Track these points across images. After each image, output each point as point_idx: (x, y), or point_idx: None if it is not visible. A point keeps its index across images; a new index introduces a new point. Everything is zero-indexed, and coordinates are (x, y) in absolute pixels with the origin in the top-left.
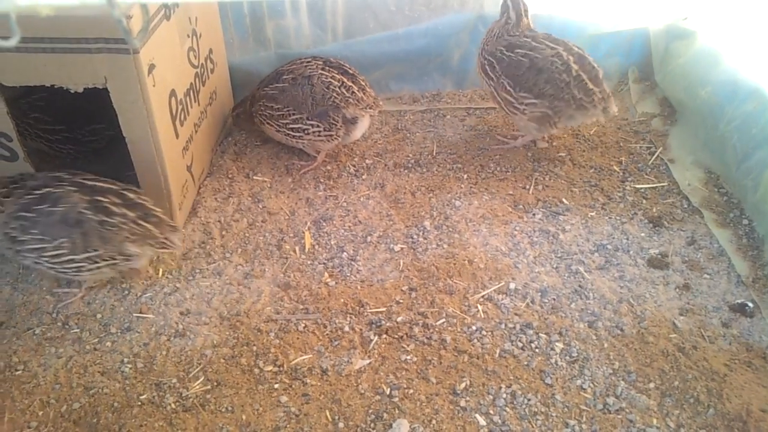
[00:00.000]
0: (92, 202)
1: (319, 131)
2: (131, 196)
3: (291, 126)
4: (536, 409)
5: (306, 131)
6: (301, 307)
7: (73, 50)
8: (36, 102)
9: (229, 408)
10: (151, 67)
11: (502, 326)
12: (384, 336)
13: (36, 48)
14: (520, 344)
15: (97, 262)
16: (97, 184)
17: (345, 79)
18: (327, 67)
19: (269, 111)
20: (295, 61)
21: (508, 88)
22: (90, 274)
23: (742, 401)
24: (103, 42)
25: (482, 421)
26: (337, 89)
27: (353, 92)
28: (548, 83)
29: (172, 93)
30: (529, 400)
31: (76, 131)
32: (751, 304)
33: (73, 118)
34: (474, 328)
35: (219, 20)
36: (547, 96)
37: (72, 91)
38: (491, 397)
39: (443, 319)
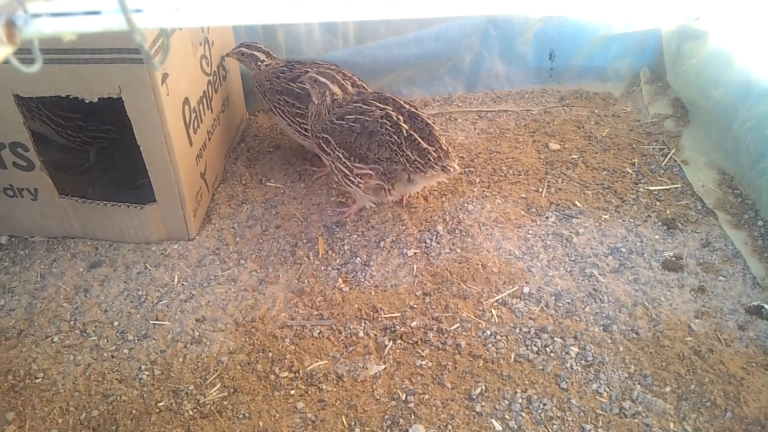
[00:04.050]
0: None
1: None
2: None
3: (305, 126)
4: (552, 414)
5: None
6: (316, 312)
7: (88, 61)
8: None
9: (246, 414)
10: (165, 76)
11: (517, 330)
12: (398, 341)
13: (51, 59)
14: (535, 348)
15: None
16: None
17: None
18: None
19: (288, 108)
20: (321, 65)
21: (344, 159)
22: None
23: (760, 405)
24: (117, 52)
25: (498, 426)
26: None
27: None
28: (381, 147)
29: (186, 101)
30: (544, 404)
31: (90, 123)
32: (767, 306)
33: (89, 112)
34: (488, 332)
35: (231, 28)
36: (383, 161)
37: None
38: (507, 402)
39: (457, 324)
